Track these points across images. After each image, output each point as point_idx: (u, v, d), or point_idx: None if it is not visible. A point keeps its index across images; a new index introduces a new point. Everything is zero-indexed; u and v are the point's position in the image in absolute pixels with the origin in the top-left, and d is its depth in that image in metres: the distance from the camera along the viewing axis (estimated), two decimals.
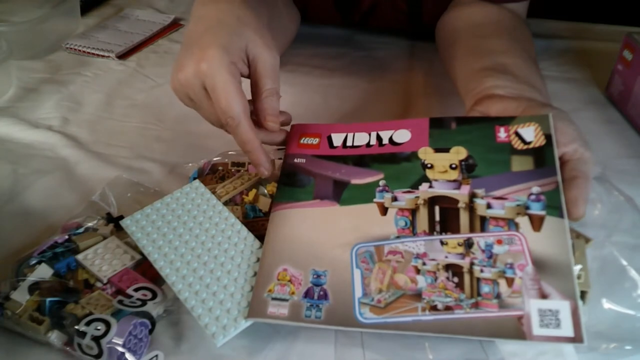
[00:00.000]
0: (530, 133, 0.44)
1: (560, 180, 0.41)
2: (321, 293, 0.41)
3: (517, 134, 0.44)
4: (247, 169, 0.54)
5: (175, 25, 0.91)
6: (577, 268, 0.40)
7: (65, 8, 0.86)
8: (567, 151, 0.43)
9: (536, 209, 0.40)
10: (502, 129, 0.45)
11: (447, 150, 0.45)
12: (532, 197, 0.41)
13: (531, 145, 0.44)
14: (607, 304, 0.41)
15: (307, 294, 0.41)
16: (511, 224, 0.40)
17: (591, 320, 0.40)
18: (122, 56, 0.82)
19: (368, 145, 0.49)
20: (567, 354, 0.37)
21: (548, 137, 0.43)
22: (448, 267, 0.40)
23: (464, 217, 0.42)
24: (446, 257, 0.41)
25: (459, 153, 0.45)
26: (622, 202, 0.46)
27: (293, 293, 0.41)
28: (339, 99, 0.71)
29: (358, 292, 0.40)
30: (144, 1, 0.98)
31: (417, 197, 0.44)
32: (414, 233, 0.42)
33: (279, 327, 0.40)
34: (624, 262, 0.42)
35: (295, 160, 0.50)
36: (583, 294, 0.40)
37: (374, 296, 0.40)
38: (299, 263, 0.42)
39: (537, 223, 0.40)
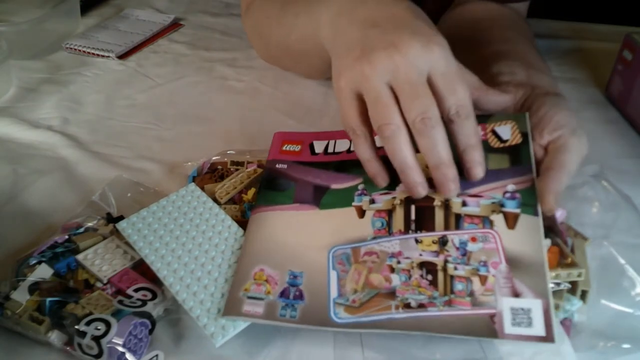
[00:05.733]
0: (507, 131, 0.44)
1: (535, 178, 0.41)
2: (297, 293, 0.41)
3: (494, 132, 0.45)
4: (245, 168, 0.54)
5: (175, 25, 0.91)
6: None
7: (65, 8, 0.86)
8: (551, 139, 0.43)
9: (511, 207, 0.41)
10: (479, 127, 0.45)
11: None
12: (507, 194, 0.41)
13: (507, 144, 0.44)
14: (605, 303, 0.41)
15: (283, 294, 0.41)
16: (486, 221, 0.41)
17: (589, 319, 0.40)
18: (122, 56, 0.82)
19: (348, 151, 0.50)
20: (565, 353, 0.37)
21: (525, 135, 0.44)
22: (422, 264, 0.40)
23: (439, 215, 0.42)
24: (420, 255, 0.40)
25: None
26: (620, 201, 0.46)
27: (269, 292, 0.41)
28: None
29: (333, 293, 0.40)
30: (144, 1, 0.98)
31: (394, 198, 0.44)
32: (390, 233, 0.42)
33: (279, 327, 0.41)
34: (622, 261, 0.42)
35: (277, 165, 0.51)
36: (584, 293, 0.40)
37: (349, 296, 0.40)
38: (276, 264, 0.43)
39: (511, 221, 0.40)
